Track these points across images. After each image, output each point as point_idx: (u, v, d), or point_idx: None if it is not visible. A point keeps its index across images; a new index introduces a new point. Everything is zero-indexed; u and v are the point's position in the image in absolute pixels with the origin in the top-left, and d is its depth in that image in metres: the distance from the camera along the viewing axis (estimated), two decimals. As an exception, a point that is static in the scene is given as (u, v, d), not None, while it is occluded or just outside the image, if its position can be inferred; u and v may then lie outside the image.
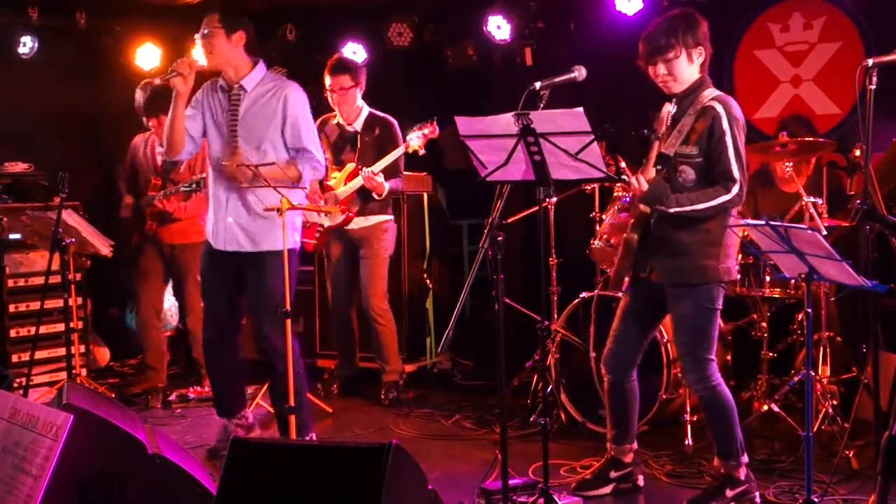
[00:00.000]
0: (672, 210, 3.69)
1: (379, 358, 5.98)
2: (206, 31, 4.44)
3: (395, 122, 5.84)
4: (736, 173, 3.67)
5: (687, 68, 3.78)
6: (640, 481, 4.17)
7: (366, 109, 5.84)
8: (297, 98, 4.49)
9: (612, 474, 4.16)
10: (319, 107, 5.73)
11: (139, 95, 5.91)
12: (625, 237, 3.84)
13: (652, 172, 3.83)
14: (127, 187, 6.15)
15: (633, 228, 3.86)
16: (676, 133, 3.76)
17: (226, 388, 4.80)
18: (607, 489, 4.14)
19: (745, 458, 3.93)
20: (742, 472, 3.92)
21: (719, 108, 3.71)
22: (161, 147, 5.95)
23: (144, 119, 5.94)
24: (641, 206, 3.80)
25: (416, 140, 5.68)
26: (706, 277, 3.79)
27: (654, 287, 3.90)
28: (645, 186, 3.66)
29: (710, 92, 3.80)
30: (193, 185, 5.70)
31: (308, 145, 4.49)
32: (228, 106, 4.51)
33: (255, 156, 4.41)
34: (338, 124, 5.86)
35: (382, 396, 5.90)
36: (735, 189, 3.67)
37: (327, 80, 5.73)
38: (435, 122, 5.69)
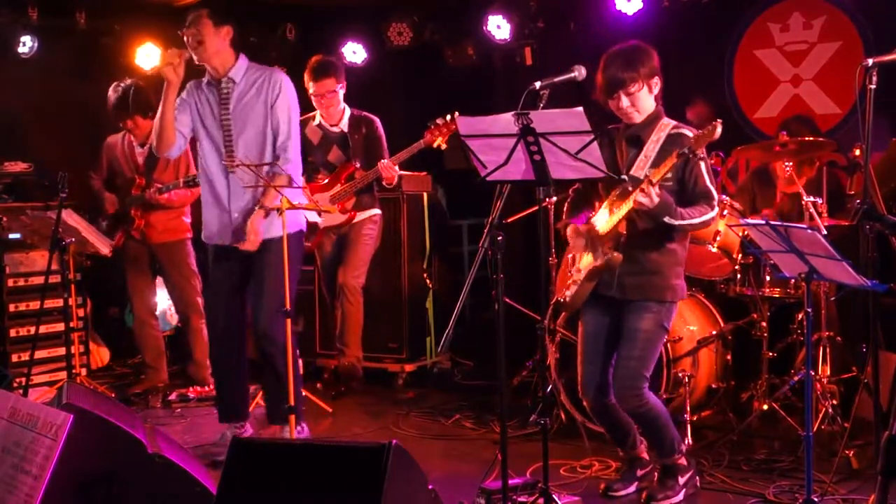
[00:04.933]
0: (676, 223, 3.79)
1: (339, 341, 5.96)
2: (193, 24, 4.51)
3: (378, 120, 5.84)
4: (714, 192, 3.89)
5: (647, 98, 3.91)
6: (657, 478, 4.18)
7: (347, 109, 5.83)
8: (286, 85, 4.59)
9: (639, 472, 4.19)
10: (310, 107, 5.73)
11: (111, 96, 5.94)
12: (608, 258, 3.85)
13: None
14: (106, 188, 6.14)
15: (608, 249, 3.86)
16: (643, 158, 3.88)
17: (231, 392, 4.80)
18: (632, 488, 4.15)
19: (683, 445, 4.11)
20: (684, 459, 4.07)
21: (690, 135, 3.82)
22: (140, 147, 6.03)
23: (119, 120, 5.99)
24: (621, 228, 3.82)
25: (438, 136, 5.61)
26: (675, 296, 3.96)
27: (614, 304, 3.97)
28: (657, 199, 3.69)
29: (668, 120, 3.95)
30: (181, 184, 5.72)
31: (284, 138, 4.51)
32: (219, 100, 4.56)
33: (252, 149, 4.47)
34: (319, 125, 5.84)
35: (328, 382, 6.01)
36: (716, 206, 3.89)
37: (311, 87, 5.67)
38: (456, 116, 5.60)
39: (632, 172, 3.87)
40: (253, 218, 4.43)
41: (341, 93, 5.75)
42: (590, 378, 4.04)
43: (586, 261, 3.95)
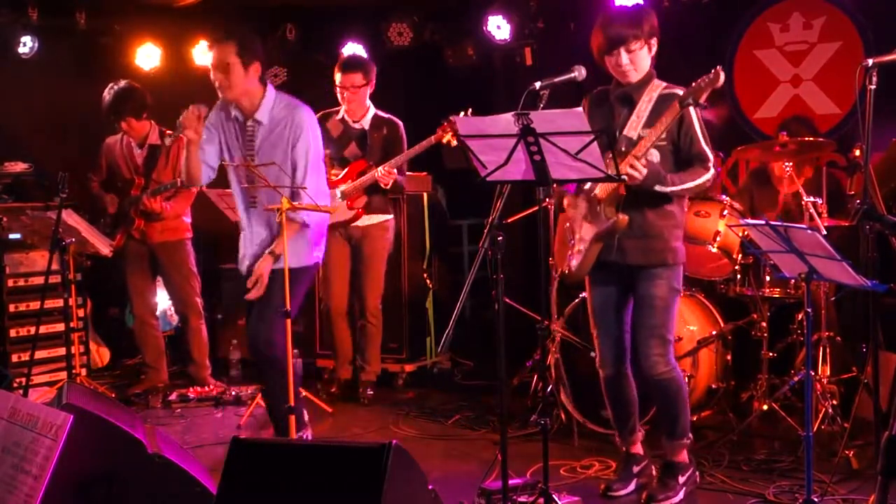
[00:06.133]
0: (668, 189, 3.80)
1: (361, 358, 6.03)
2: (221, 69, 4.32)
3: (401, 124, 5.85)
4: (709, 153, 3.88)
5: (645, 58, 3.92)
6: (654, 471, 4.19)
7: (372, 109, 5.85)
8: (308, 125, 4.41)
9: (635, 469, 4.19)
10: (319, 104, 5.72)
11: (105, 98, 5.93)
12: (615, 220, 3.83)
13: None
14: (105, 189, 6.13)
15: (611, 211, 3.85)
16: (635, 118, 3.89)
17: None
18: (631, 486, 4.15)
19: (690, 437, 4.11)
20: (686, 455, 4.08)
21: (682, 94, 3.83)
22: (138, 148, 6.03)
23: (112, 123, 5.99)
24: (620, 189, 3.82)
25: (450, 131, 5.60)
26: (677, 258, 3.97)
27: (619, 271, 3.97)
28: (644, 171, 3.69)
29: (659, 81, 3.96)
30: (178, 184, 5.70)
31: (299, 182, 4.35)
32: (243, 138, 4.46)
33: (273, 179, 4.34)
34: (342, 119, 5.85)
35: (360, 394, 5.95)
36: (712, 168, 3.88)
37: (338, 77, 5.72)
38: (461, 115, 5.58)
39: (624, 133, 3.88)
40: (261, 263, 4.30)
41: (367, 91, 5.77)
42: (607, 349, 4.07)
43: (589, 227, 3.93)
